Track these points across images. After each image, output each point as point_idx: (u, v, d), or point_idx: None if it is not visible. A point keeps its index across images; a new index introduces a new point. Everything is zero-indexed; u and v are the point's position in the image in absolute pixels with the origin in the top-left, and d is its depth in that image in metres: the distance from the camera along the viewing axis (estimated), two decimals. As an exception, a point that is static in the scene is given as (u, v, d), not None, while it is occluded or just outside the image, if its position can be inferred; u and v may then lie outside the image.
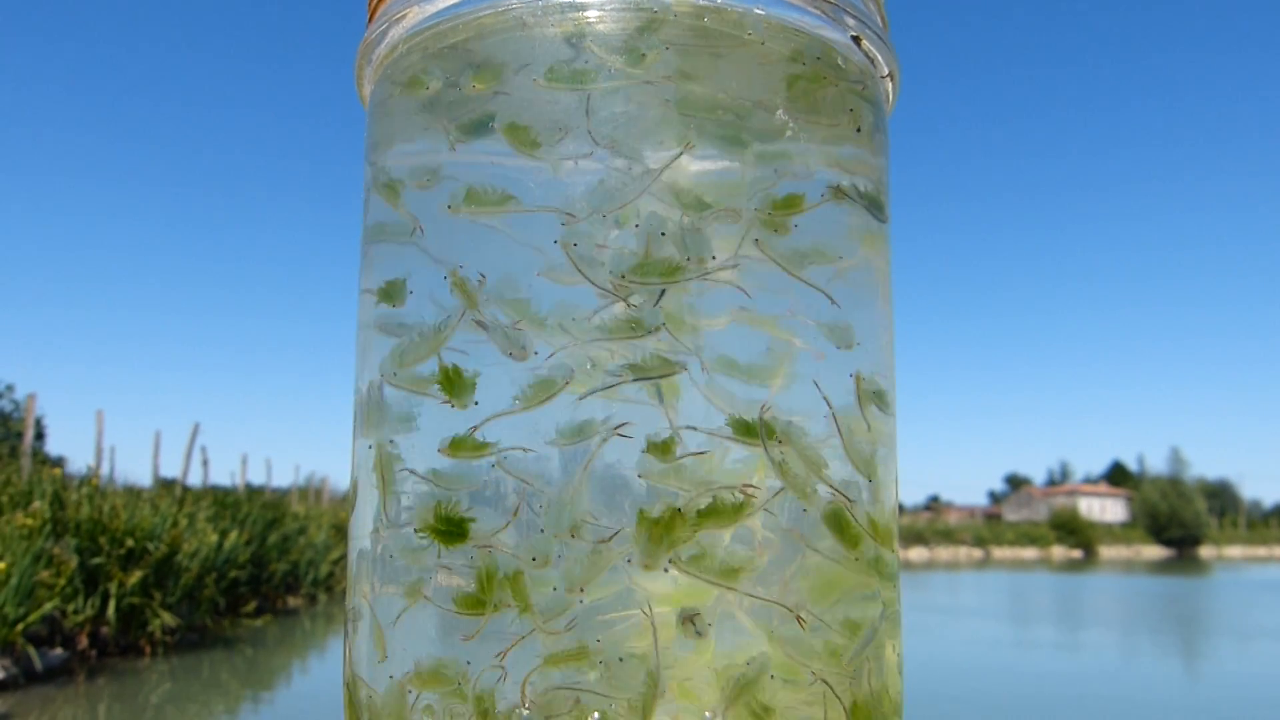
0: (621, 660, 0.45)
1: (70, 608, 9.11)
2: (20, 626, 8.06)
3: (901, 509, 0.54)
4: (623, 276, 0.47)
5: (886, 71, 0.57)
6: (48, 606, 8.51)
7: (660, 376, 0.46)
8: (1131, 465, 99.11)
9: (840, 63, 0.53)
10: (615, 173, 0.48)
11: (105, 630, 9.50)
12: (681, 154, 0.48)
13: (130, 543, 9.95)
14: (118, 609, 9.48)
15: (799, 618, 0.46)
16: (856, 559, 0.49)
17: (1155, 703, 8.60)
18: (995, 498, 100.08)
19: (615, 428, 0.46)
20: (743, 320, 0.48)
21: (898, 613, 0.52)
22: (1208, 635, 14.55)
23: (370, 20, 0.57)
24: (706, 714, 0.44)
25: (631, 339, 0.46)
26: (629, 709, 0.44)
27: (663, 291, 0.47)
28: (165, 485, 14.29)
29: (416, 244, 0.51)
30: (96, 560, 9.49)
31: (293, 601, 15.19)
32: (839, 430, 0.49)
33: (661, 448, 0.46)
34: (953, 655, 11.23)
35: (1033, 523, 66.49)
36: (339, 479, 27.47)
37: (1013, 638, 13.97)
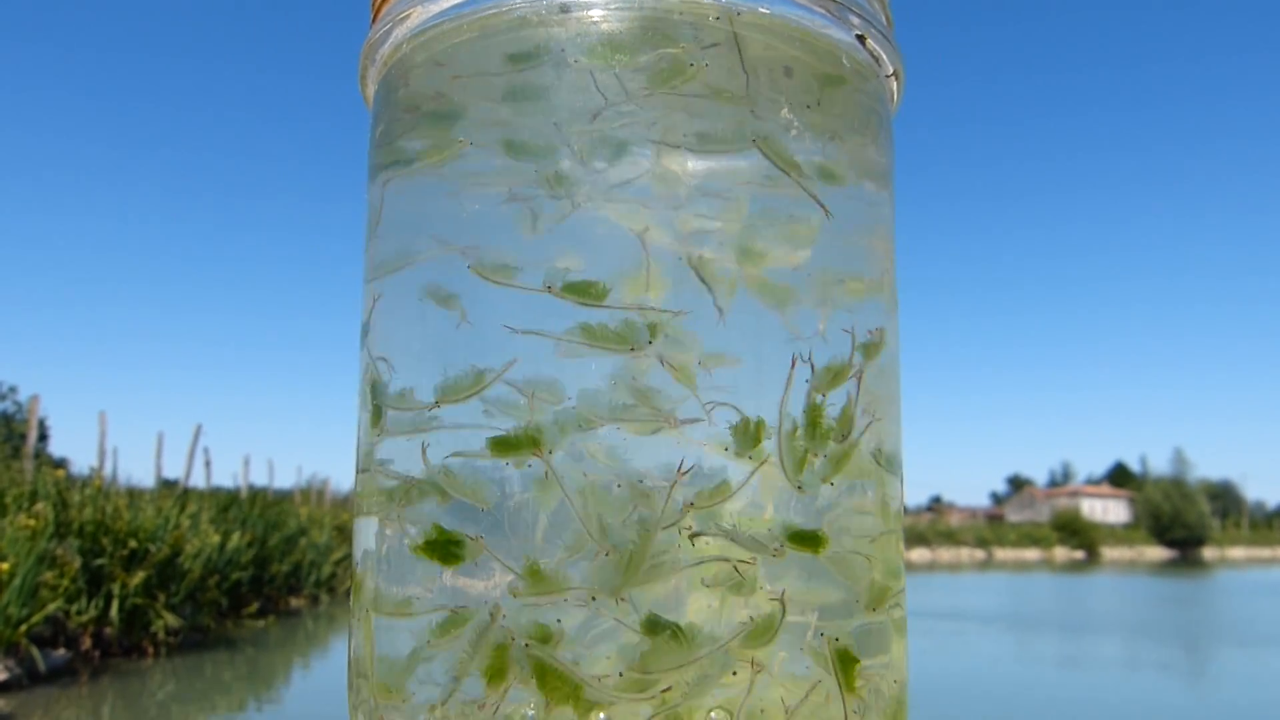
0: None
1: (74, 609, 9.12)
2: (24, 627, 8.06)
3: (905, 510, 0.54)
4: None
5: (891, 70, 0.57)
6: (51, 607, 8.51)
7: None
8: (1134, 466, 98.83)
9: (845, 62, 0.52)
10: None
11: (108, 631, 9.51)
12: (684, 152, 0.47)
13: (133, 544, 9.96)
14: (121, 610, 9.48)
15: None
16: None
17: (1162, 714, 8.53)
18: (997, 499, 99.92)
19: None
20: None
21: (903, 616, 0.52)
22: (1218, 643, 14.45)
23: (374, 20, 0.57)
24: (712, 715, 0.44)
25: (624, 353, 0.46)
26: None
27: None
28: (168, 486, 14.28)
29: None
30: (99, 561, 9.49)
31: (295, 602, 15.21)
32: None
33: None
34: (954, 659, 11.21)
35: (1035, 524, 66.32)
36: (341, 480, 27.49)
37: (1015, 642, 13.93)
